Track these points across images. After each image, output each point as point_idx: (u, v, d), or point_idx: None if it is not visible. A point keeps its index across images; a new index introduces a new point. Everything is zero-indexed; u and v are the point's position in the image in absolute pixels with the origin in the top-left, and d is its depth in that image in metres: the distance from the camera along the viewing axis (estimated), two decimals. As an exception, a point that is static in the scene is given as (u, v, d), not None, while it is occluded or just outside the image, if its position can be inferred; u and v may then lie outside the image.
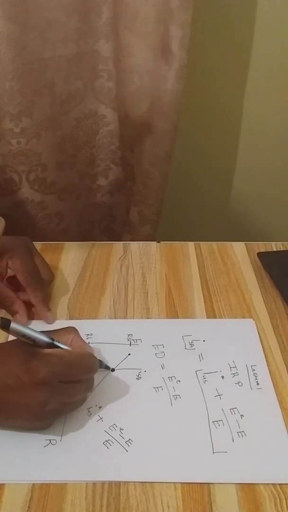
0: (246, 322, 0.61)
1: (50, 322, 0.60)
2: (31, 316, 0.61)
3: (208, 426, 0.49)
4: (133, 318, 0.62)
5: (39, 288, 0.61)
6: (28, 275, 0.60)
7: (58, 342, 0.49)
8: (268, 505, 0.43)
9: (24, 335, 0.47)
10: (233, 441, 0.48)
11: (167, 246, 0.74)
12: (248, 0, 0.91)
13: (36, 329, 0.48)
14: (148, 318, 0.62)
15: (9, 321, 0.46)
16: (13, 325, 0.46)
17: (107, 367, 0.54)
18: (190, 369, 0.55)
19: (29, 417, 0.46)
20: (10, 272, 0.60)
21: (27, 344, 0.47)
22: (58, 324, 0.61)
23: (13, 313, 0.60)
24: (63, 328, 0.52)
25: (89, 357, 0.49)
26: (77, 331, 0.52)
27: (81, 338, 0.51)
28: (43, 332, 0.49)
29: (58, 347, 0.48)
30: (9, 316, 0.61)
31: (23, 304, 0.60)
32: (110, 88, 0.89)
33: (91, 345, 0.57)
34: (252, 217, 1.20)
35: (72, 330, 0.51)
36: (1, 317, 0.47)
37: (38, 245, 0.63)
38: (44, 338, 0.48)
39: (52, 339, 0.48)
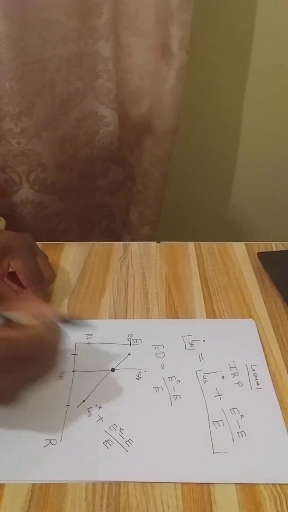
0: (246, 322, 0.61)
1: None
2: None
3: (208, 426, 0.49)
4: (133, 318, 0.62)
5: (40, 288, 0.60)
6: (29, 276, 0.59)
7: (13, 316, 0.45)
8: (268, 505, 0.43)
9: None
10: (233, 441, 0.48)
11: (167, 246, 0.74)
12: (248, 0, 0.91)
13: None
14: (148, 318, 0.62)
15: None
16: None
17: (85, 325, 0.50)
18: (190, 369, 0.55)
19: None
20: (10, 268, 0.60)
21: None
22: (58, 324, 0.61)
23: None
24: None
25: (45, 339, 0.45)
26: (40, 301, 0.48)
27: (42, 307, 0.47)
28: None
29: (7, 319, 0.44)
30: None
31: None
32: (110, 88, 0.89)
33: (91, 345, 0.57)
34: (252, 217, 1.20)
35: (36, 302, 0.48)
36: None
37: (38, 245, 0.63)
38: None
39: (2, 315, 0.44)
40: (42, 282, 0.61)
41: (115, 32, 0.83)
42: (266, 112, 1.04)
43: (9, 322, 0.45)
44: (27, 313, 0.46)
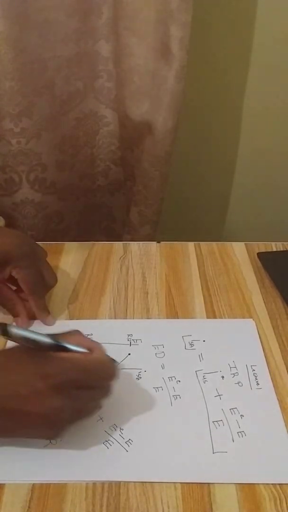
0: (246, 322, 0.61)
1: (50, 324, 0.60)
2: (32, 317, 0.61)
3: (208, 426, 0.49)
4: (133, 318, 0.62)
5: (41, 297, 0.60)
6: (31, 286, 0.59)
7: (68, 343, 0.46)
8: (268, 505, 0.43)
9: (25, 338, 0.44)
10: (233, 441, 0.48)
11: (167, 246, 0.74)
12: (248, 0, 0.91)
13: (38, 331, 0.46)
14: (148, 318, 0.62)
15: (5, 325, 0.43)
16: (11, 329, 0.43)
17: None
18: (190, 369, 0.55)
19: (42, 426, 0.44)
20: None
21: (37, 349, 0.45)
22: (58, 324, 0.61)
23: (15, 315, 0.60)
24: (67, 332, 0.49)
25: (107, 363, 0.47)
26: (81, 333, 0.49)
27: (90, 339, 0.49)
28: (46, 334, 0.46)
29: (65, 348, 0.45)
30: (9, 317, 0.61)
31: (24, 306, 0.60)
32: (110, 88, 0.89)
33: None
34: (252, 217, 1.20)
35: (76, 332, 0.49)
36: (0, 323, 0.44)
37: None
38: (47, 340, 0.45)
39: (57, 340, 0.45)
40: (43, 290, 0.61)
41: (115, 32, 0.83)
42: (266, 112, 1.04)
43: (61, 348, 0.45)
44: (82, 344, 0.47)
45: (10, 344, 0.56)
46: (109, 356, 0.47)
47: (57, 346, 0.45)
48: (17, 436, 0.46)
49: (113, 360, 0.48)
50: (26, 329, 0.46)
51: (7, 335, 0.44)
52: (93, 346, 0.47)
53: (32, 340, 0.45)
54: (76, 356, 0.45)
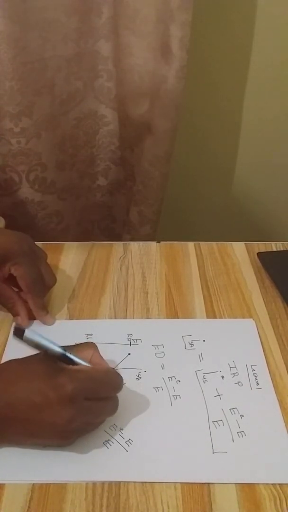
0: (246, 322, 0.61)
1: (49, 323, 0.60)
2: (31, 316, 0.61)
3: (208, 426, 0.49)
4: (133, 318, 0.62)
5: (40, 295, 0.60)
6: (30, 284, 0.59)
7: (73, 355, 0.47)
8: (268, 505, 0.43)
9: (37, 345, 0.46)
10: (233, 441, 0.48)
11: (167, 246, 0.74)
12: (248, 0, 0.91)
13: (39, 330, 0.48)
14: (148, 318, 0.62)
15: (22, 330, 0.45)
16: (27, 333, 0.45)
17: None
18: (190, 369, 0.55)
19: (53, 436, 0.45)
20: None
21: (51, 359, 0.46)
22: (58, 324, 0.61)
23: (15, 315, 0.60)
24: (82, 343, 0.50)
25: (114, 374, 0.48)
26: (96, 347, 0.50)
27: (100, 355, 0.50)
28: (59, 346, 0.47)
29: (72, 360, 0.47)
30: (9, 317, 0.61)
31: (24, 305, 0.60)
32: (110, 88, 0.89)
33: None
34: (252, 217, 1.20)
35: (92, 346, 0.50)
36: (15, 327, 0.46)
37: (38, 245, 0.63)
38: (57, 349, 0.47)
39: (65, 351, 0.47)
40: (42, 289, 0.61)
41: (115, 31, 0.83)
42: (266, 112, 1.04)
43: (67, 359, 0.47)
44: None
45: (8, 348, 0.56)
46: (114, 370, 0.49)
47: (64, 356, 0.47)
48: (28, 444, 0.46)
49: (118, 373, 0.48)
50: (40, 335, 0.47)
51: (21, 338, 0.46)
52: (100, 362, 0.49)
53: (42, 347, 0.46)
54: (87, 368, 0.47)
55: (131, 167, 0.98)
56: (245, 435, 0.48)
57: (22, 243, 0.59)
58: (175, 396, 0.52)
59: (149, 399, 0.52)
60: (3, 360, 0.55)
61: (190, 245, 0.74)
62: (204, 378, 0.54)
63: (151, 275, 0.69)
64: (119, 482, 0.45)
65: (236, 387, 0.53)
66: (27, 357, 0.47)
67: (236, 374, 0.54)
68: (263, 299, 0.65)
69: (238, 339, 0.59)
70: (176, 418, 0.50)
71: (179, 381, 0.54)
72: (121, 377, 0.48)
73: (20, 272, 0.58)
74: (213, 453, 0.47)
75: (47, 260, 0.63)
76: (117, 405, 0.48)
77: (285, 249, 0.73)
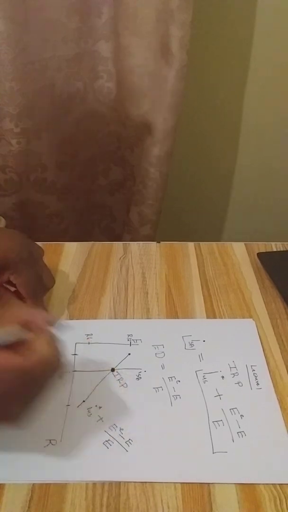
0: (246, 322, 0.61)
1: (52, 322, 0.60)
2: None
3: (208, 426, 0.49)
4: (133, 318, 0.62)
5: (40, 301, 0.60)
6: (30, 290, 0.58)
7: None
8: (268, 505, 0.43)
9: None
10: (233, 441, 0.48)
11: (167, 246, 0.74)
12: (248, 0, 0.91)
13: None
14: (148, 318, 0.62)
15: None
16: None
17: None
18: (190, 369, 0.55)
19: None
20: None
21: None
22: (58, 324, 0.60)
23: None
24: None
25: (50, 363, 0.42)
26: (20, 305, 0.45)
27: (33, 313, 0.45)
28: None
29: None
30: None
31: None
32: (110, 88, 0.89)
33: (91, 345, 0.57)
34: (252, 217, 1.20)
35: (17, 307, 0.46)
36: None
37: (38, 244, 0.63)
38: None
39: None
40: (42, 294, 0.60)
41: (115, 32, 0.83)
42: (266, 112, 1.04)
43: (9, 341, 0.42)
44: (18, 322, 0.44)
45: None
46: (53, 345, 0.43)
47: None
48: None
49: (58, 351, 0.43)
50: None
51: None
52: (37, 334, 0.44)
53: None
54: (14, 362, 0.40)
55: (131, 167, 0.98)
56: (245, 435, 0.48)
57: (20, 250, 0.58)
58: (175, 396, 0.52)
59: (149, 399, 0.52)
60: None
61: (190, 245, 0.74)
62: (204, 378, 0.54)
63: (151, 275, 0.69)
64: (119, 482, 0.45)
65: (236, 387, 0.53)
66: None
67: (236, 374, 0.54)
68: (263, 299, 0.65)
69: (238, 339, 0.59)
70: (176, 418, 0.50)
71: (179, 381, 0.54)
72: (60, 358, 0.43)
73: (19, 280, 0.57)
74: (213, 453, 0.47)
75: (45, 259, 0.62)
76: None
77: (285, 249, 0.73)
